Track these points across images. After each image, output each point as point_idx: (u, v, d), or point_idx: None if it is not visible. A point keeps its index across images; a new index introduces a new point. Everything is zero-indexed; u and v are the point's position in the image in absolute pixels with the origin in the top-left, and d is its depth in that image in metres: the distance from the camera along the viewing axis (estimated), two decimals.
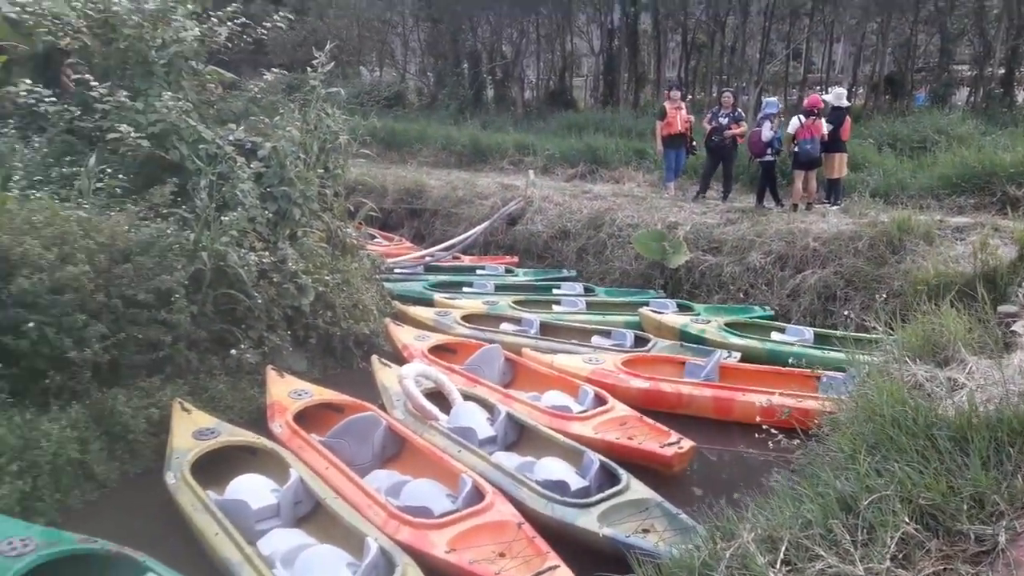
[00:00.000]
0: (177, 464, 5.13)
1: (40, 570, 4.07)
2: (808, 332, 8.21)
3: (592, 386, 6.66)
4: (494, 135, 18.15)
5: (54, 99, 7.59)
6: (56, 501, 5.18)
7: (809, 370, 6.18)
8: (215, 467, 5.28)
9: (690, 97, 21.44)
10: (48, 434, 5.29)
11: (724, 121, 11.83)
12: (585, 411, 6.30)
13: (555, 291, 10.41)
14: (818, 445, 4.35)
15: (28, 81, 7.64)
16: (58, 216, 6.13)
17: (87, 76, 7.64)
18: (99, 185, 6.93)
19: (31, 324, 5.52)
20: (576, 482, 5.14)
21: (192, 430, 5.52)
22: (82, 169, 6.98)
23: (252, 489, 4.91)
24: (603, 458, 5.31)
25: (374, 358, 7.11)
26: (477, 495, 4.82)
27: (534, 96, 24.85)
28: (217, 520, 4.50)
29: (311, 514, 4.92)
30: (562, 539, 4.61)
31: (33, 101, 7.54)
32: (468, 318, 8.73)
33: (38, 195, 6.48)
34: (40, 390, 5.64)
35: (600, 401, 6.42)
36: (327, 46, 8.91)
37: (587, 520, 4.69)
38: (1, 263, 5.70)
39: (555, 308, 9.55)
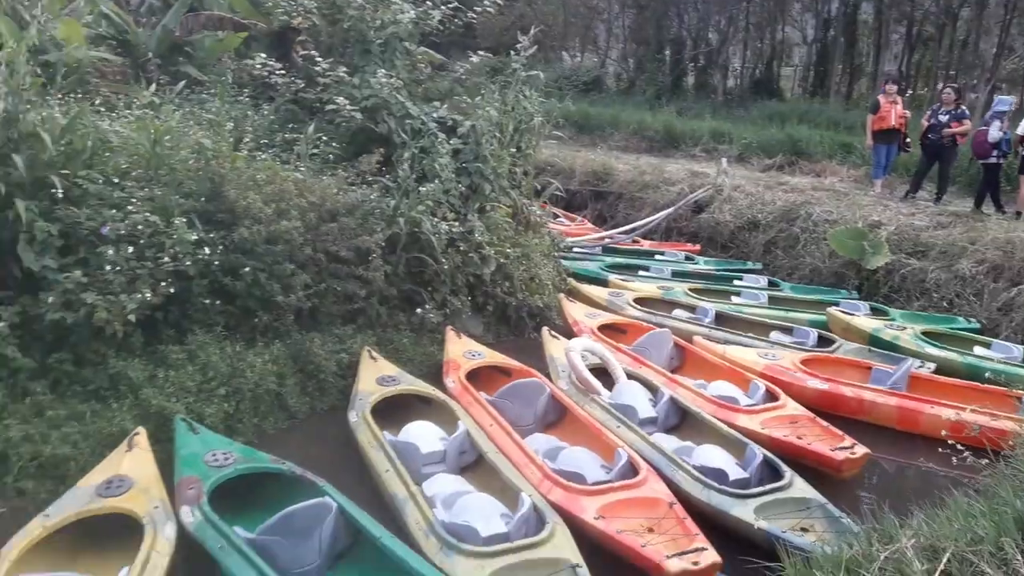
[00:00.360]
0: (360, 405, 5.62)
1: (235, 481, 4.65)
2: (1017, 350, 7.43)
3: (764, 381, 6.45)
4: (689, 122, 17.81)
5: (283, 72, 8.42)
6: (254, 425, 5.88)
7: (1009, 388, 5.63)
8: (392, 411, 5.72)
9: (910, 92, 19.79)
10: (252, 366, 6.00)
11: (944, 119, 10.86)
12: (754, 405, 6.13)
13: (736, 282, 10.11)
14: (1004, 465, 4.00)
15: (263, 55, 8.54)
16: (278, 176, 6.85)
17: (313, 52, 8.42)
18: (315, 151, 7.62)
19: (247, 269, 6.25)
20: (735, 473, 5.05)
21: (376, 376, 6.01)
22: (302, 136, 7.71)
23: (423, 435, 5.28)
24: (767, 453, 5.18)
25: (545, 330, 7.33)
26: (631, 470, 4.89)
27: (737, 84, 24.03)
28: (389, 458, 4.90)
29: (473, 465, 5.22)
30: (713, 526, 4.58)
31: (266, 73, 8.42)
32: (641, 301, 8.73)
33: (263, 156, 7.24)
34: (249, 327, 6.38)
35: (771, 397, 6.22)
36: (532, 30, 9.16)
37: (743, 511, 4.61)
38: (228, 213, 6.48)
39: (734, 299, 9.29)
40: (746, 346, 7.50)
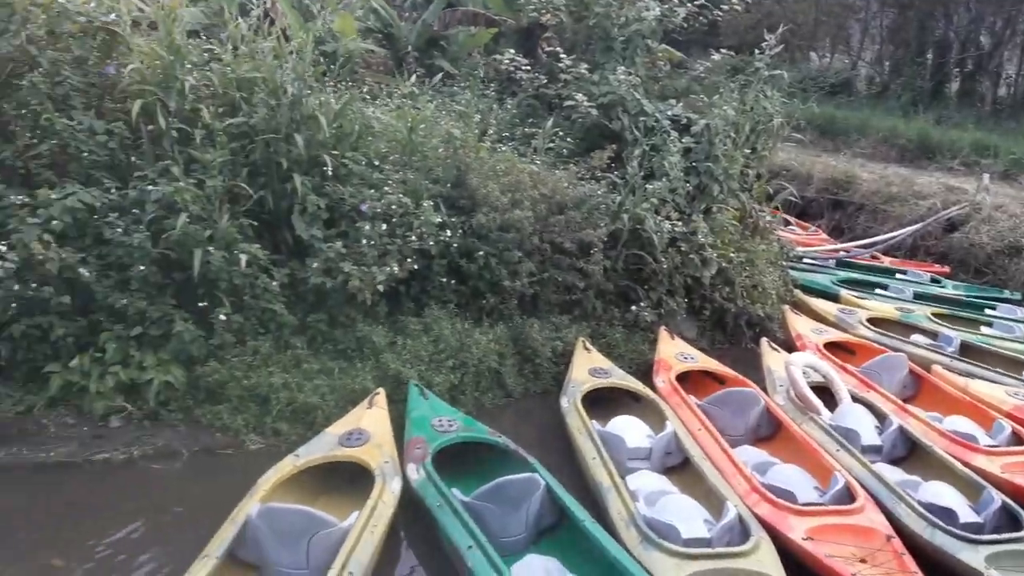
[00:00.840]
0: (572, 392, 5.82)
1: (454, 447, 5.02)
2: None
3: (1011, 422, 5.83)
4: (949, 132, 16.20)
5: (528, 68, 8.81)
6: (474, 398, 6.29)
7: None
8: (601, 403, 5.86)
9: None
10: (478, 343, 6.42)
11: None
12: (996, 446, 5.57)
13: (988, 312, 9.13)
14: None
15: (512, 51, 8.99)
16: (516, 167, 7.24)
17: (558, 49, 8.73)
18: (550, 145, 7.93)
19: (481, 253, 6.68)
20: (967, 515, 4.65)
21: (589, 367, 6.19)
22: (539, 130, 8.06)
23: (630, 429, 5.37)
24: (1007, 499, 4.71)
25: (764, 341, 7.12)
26: (847, 495, 4.67)
27: (1010, 93, 21.43)
28: (596, 447, 5.05)
29: (678, 467, 5.23)
30: (934, 567, 4.27)
31: (512, 68, 8.86)
32: (874, 321, 8.16)
33: (504, 148, 7.67)
34: (477, 307, 6.83)
35: (1018, 440, 5.63)
36: (779, 29, 8.86)
37: (972, 556, 4.24)
38: (469, 200, 6.95)
39: (984, 330, 8.41)
40: (993, 382, 6.79)
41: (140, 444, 5.31)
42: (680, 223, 7.53)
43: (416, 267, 6.42)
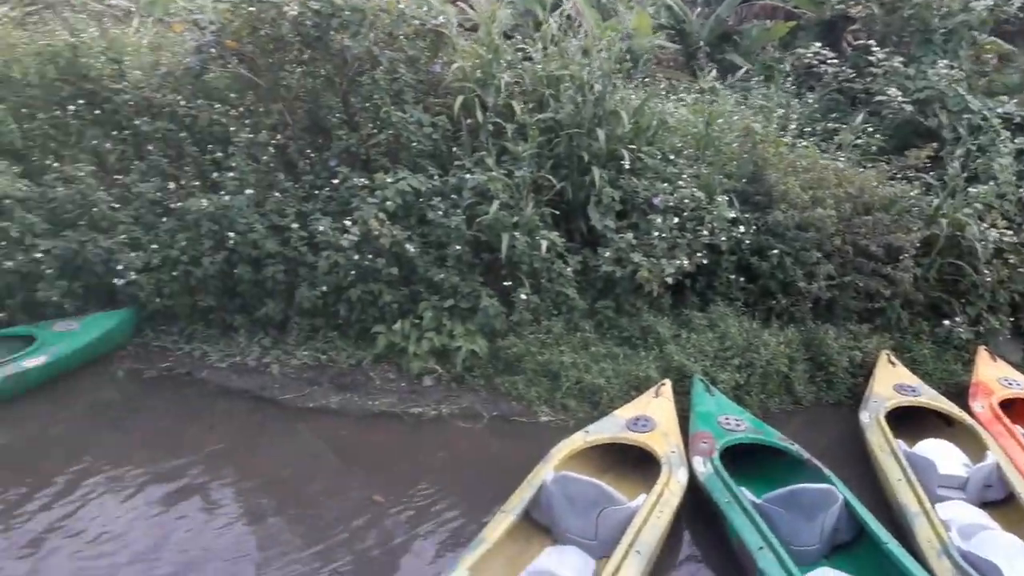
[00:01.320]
0: (874, 407, 5.42)
1: (740, 447, 4.90)
2: None
3: None
4: None
5: (835, 60, 8.33)
6: (759, 400, 6.08)
7: None
8: (905, 422, 5.39)
9: None
10: (766, 344, 6.19)
11: None
12: None
13: None
14: None
15: (816, 44, 8.55)
16: (818, 164, 6.90)
17: (868, 41, 8.15)
18: (857, 141, 7.43)
19: (775, 251, 6.44)
20: None
21: (894, 383, 5.72)
22: (844, 125, 7.59)
23: (941, 455, 4.88)
24: None
25: None
26: None
27: None
28: (903, 468, 4.67)
29: (1000, 503, 4.67)
30: None
31: (816, 62, 8.42)
32: None
33: (804, 144, 7.32)
34: (766, 307, 6.60)
35: None
36: None
37: None
38: (765, 196, 6.74)
39: None
40: None
41: (448, 403, 5.86)
42: (1009, 232, 6.70)
43: (704, 262, 6.35)
